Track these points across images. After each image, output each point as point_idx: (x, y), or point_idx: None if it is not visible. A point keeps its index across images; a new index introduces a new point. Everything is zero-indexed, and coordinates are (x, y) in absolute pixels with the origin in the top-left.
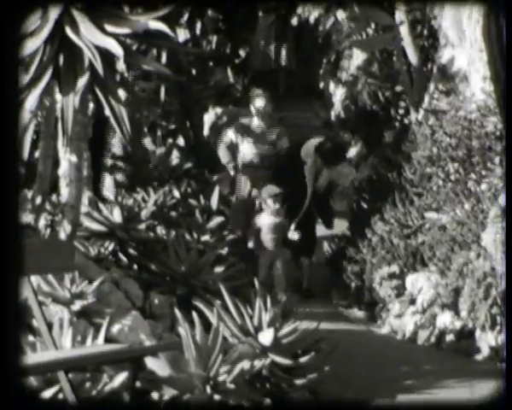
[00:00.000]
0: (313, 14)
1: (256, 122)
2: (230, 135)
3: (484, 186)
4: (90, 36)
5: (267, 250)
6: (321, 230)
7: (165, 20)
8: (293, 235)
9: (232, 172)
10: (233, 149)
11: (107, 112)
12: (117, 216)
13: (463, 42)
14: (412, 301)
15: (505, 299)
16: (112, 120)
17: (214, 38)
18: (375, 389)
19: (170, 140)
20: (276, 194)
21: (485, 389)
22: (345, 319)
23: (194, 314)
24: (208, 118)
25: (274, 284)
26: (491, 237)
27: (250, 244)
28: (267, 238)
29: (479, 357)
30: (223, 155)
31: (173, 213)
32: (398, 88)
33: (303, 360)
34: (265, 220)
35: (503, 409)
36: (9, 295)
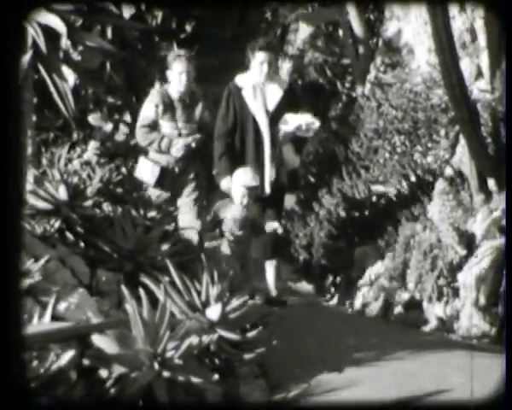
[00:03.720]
0: None
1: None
2: (152, 111)
3: (430, 158)
4: (33, 13)
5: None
6: None
7: None
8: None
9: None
10: (155, 127)
11: (51, 89)
12: (62, 193)
13: (408, 15)
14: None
15: (505, 299)
16: (55, 97)
17: (160, 13)
18: (322, 363)
19: (116, 116)
20: (253, 186)
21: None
22: (294, 293)
23: (142, 291)
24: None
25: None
26: (438, 208)
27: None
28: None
29: (426, 328)
30: (147, 135)
31: (119, 190)
32: (345, 61)
33: (251, 334)
34: (229, 210)
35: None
36: None
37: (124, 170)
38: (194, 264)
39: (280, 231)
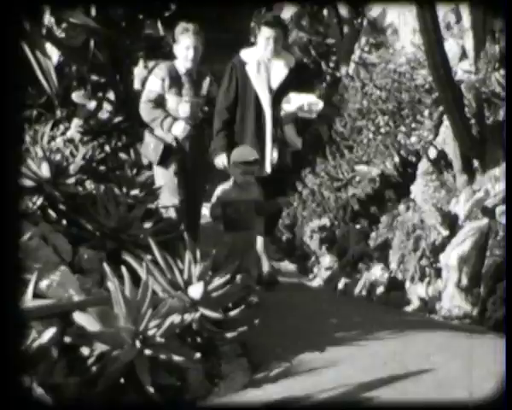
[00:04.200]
0: None
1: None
2: (158, 84)
3: (414, 139)
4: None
5: (237, 233)
6: None
7: None
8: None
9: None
10: (161, 102)
11: (34, 66)
12: (45, 171)
13: None
14: (343, 254)
15: (505, 300)
16: (38, 74)
17: None
18: (304, 342)
19: (100, 94)
20: (251, 161)
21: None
22: (277, 273)
23: (124, 269)
24: (139, 71)
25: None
26: (421, 189)
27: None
28: (234, 216)
29: (408, 309)
30: (150, 111)
31: (102, 168)
32: (329, 41)
33: (233, 313)
34: (231, 192)
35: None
36: None
37: (107, 148)
38: (177, 242)
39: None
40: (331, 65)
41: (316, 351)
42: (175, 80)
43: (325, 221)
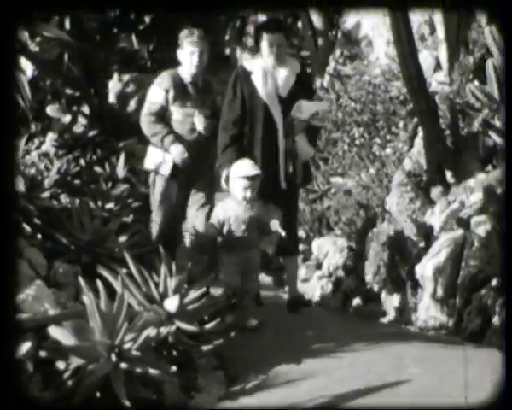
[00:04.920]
0: None
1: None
2: (161, 96)
3: (388, 150)
4: None
5: (237, 252)
6: None
7: None
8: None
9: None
10: (163, 115)
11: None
12: (20, 185)
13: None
14: (318, 266)
15: (505, 301)
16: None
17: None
18: (281, 355)
19: (74, 108)
20: (253, 176)
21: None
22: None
23: (99, 283)
24: (113, 85)
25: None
26: (396, 200)
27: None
28: (234, 234)
29: (384, 320)
30: (152, 125)
31: (77, 181)
32: (304, 53)
33: (209, 326)
34: (232, 209)
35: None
36: None
37: (82, 162)
38: (153, 256)
39: (283, 234)
40: None
41: (292, 363)
42: (180, 90)
43: (300, 233)
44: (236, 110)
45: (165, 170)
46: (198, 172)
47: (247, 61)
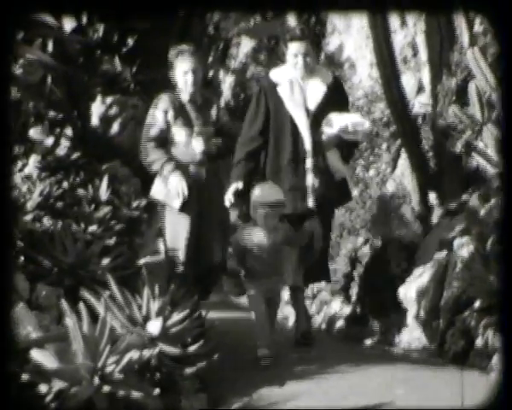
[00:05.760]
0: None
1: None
2: (160, 118)
3: (372, 172)
4: None
5: (261, 281)
6: None
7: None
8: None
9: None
10: (164, 138)
11: None
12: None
13: (350, 28)
14: None
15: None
16: None
17: (101, 27)
18: (264, 377)
19: (58, 130)
20: (277, 203)
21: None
22: (235, 308)
23: (82, 305)
24: (96, 107)
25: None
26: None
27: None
28: (257, 263)
29: (368, 342)
30: (151, 151)
31: (60, 204)
32: None
33: (192, 348)
34: (255, 237)
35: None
36: None
37: (65, 184)
38: (135, 278)
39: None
40: None
41: (275, 385)
42: (179, 110)
43: None
44: (257, 125)
45: (176, 203)
46: (211, 195)
47: (274, 71)
